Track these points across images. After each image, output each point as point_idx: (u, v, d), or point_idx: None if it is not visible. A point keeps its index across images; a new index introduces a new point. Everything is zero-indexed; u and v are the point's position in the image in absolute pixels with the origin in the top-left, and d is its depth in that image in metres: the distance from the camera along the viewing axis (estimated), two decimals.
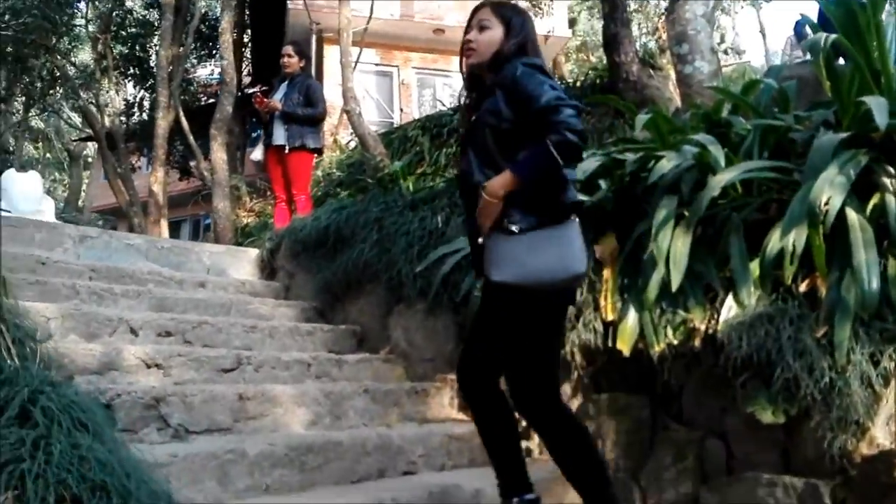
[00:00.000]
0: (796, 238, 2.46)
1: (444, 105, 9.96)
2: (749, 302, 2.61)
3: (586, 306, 2.99)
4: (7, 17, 12.44)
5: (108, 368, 2.60)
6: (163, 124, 11.36)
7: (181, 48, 12.02)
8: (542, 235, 2.00)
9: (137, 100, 15.70)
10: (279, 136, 5.31)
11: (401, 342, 3.71)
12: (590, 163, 3.13)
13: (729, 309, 2.66)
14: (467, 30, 2.22)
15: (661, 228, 2.79)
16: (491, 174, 2.02)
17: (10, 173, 8.32)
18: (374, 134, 7.94)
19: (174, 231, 18.06)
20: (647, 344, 2.78)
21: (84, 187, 23.46)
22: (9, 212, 7.40)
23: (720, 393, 2.65)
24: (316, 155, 5.64)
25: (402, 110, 13.32)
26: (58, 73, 13.21)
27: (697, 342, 2.69)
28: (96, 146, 16.15)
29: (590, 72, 8.09)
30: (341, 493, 2.32)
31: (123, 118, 15.25)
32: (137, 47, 14.72)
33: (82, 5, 13.44)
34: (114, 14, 13.46)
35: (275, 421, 2.67)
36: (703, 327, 2.70)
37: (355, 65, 10.32)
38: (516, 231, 1.99)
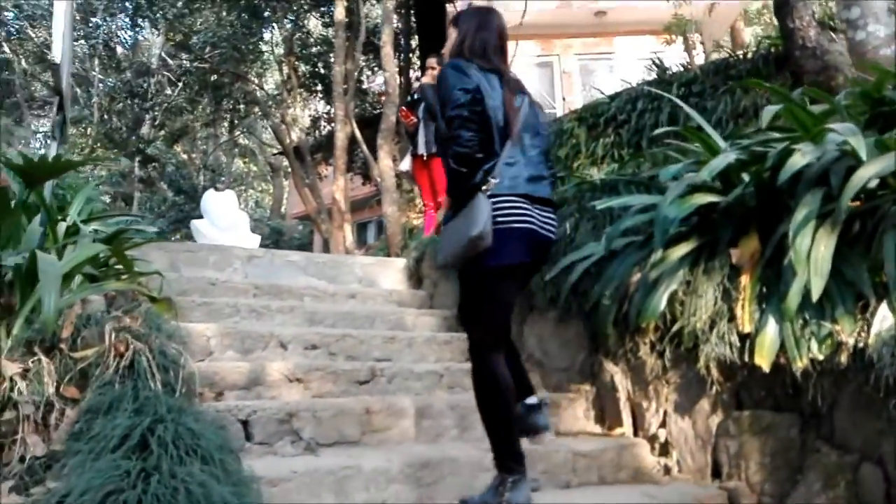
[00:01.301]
0: None
1: (601, 92, 9.65)
2: None
3: (720, 317, 2.78)
4: (207, 49, 14.07)
5: (254, 384, 2.89)
6: (341, 136, 12.19)
7: (353, 63, 12.77)
8: (451, 224, 2.43)
9: (322, 114, 16.97)
10: (420, 144, 5.50)
11: (535, 351, 3.70)
12: (720, 160, 2.89)
13: (882, 319, 2.34)
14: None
15: (800, 229, 2.52)
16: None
17: (210, 193, 9.43)
18: None
19: (361, 232, 19.33)
20: (788, 359, 2.53)
21: (285, 196, 25.80)
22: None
23: (876, 414, 2.34)
24: None
25: (564, 100, 13.10)
26: (249, 97, 14.62)
27: (844, 357, 2.40)
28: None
29: (763, 40, 7.41)
30: None
31: (310, 132, 16.59)
32: (320, 64, 15.90)
33: (267, 34, 14.73)
34: (295, 37, 14.60)
35: (401, 433, 2.80)
36: (851, 340, 2.40)
37: (512, 59, 10.33)
38: (442, 224, 2.51)
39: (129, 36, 20.74)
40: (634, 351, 3.17)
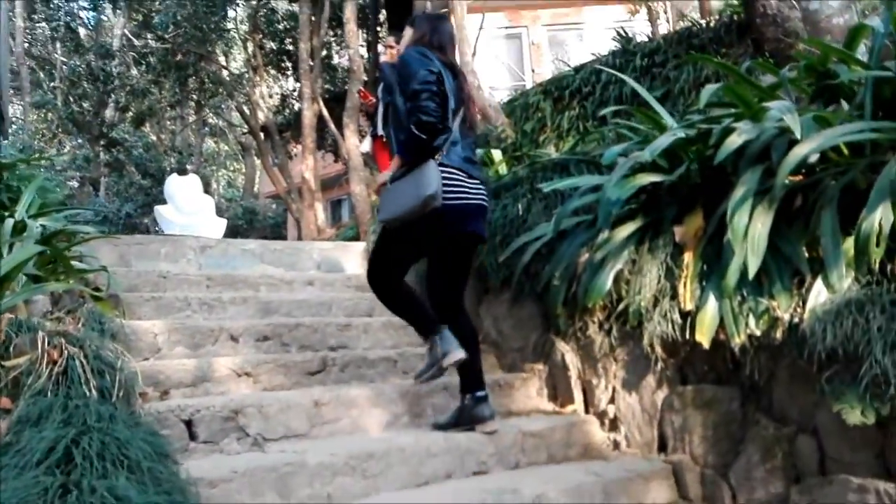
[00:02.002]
0: (883, 215, 2.14)
1: (566, 64, 9.60)
2: (840, 286, 2.31)
3: (663, 295, 2.80)
4: (170, 29, 13.75)
5: (201, 381, 2.87)
6: (308, 114, 12.03)
7: (319, 39, 12.56)
8: (399, 184, 2.73)
9: (290, 92, 16.71)
10: (380, 125, 5.44)
11: (491, 331, 3.72)
12: (664, 139, 2.89)
13: (818, 295, 2.37)
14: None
15: (738, 207, 2.54)
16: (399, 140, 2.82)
17: (173, 178, 9.29)
18: (495, 105, 7.88)
19: (335, 209, 19.20)
20: (728, 335, 2.56)
21: (257, 176, 25.52)
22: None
23: (811, 387, 2.38)
24: None
25: (533, 71, 13.01)
26: (214, 77, 14.36)
27: (780, 333, 2.43)
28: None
29: (726, 8, 7.40)
30: (402, 498, 2.40)
31: (279, 110, 16.34)
32: (288, 41, 15.59)
33: (232, 12, 14.42)
34: (259, 14, 14.31)
35: (352, 423, 2.81)
36: (787, 316, 2.43)
37: (479, 31, 10.23)
38: (388, 184, 2.80)
39: (91, 17, 20.28)
40: (584, 330, 3.20)
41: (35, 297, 3.06)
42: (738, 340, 2.53)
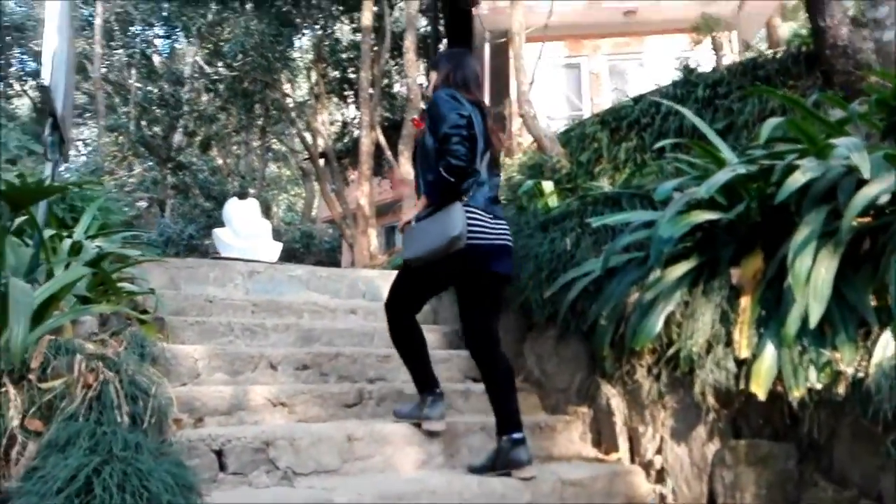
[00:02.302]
0: None
1: (626, 95, 9.46)
2: None
3: (717, 341, 2.64)
4: (239, 58, 14.24)
5: (236, 409, 2.84)
6: (366, 141, 12.21)
7: (379, 68, 12.77)
8: (424, 224, 2.76)
9: (350, 119, 17.03)
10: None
11: (534, 370, 3.59)
12: (722, 175, 2.74)
13: (885, 347, 2.19)
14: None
15: (801, 250, 2.38)
16: (426, 180, 2.82)
17: (232, 201, 9.48)
18: (551, 135, 7.82)
19: (389, 235, 19.34)
20: (785, 388, 2.39)
21: (315, 200, 26.01)
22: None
23: (875, 449, 2.19)
24: None
25: (592, 101, 12.87)
26: (278, 104, 14.75)
27: (843, 388, 2.25)
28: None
29: (794, 38, 7.16)
30: None
31: (339, 137, 16.65)
32: (350, 70, 15.92)
33: (298, 41, 14.84)
34: (324, 43, 14.67)
35: (384, 461, 2.72)
36: (850, 370, 2.25)
37: (537, 61, 10.21)
38: (413, 223, 2.84)
39: (166, 45, 21.19)
40: (631, 374, 3.04)
41: (83, 318, 3.11)
42: (796, 394, 2.35)
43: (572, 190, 4.84)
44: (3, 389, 2.15)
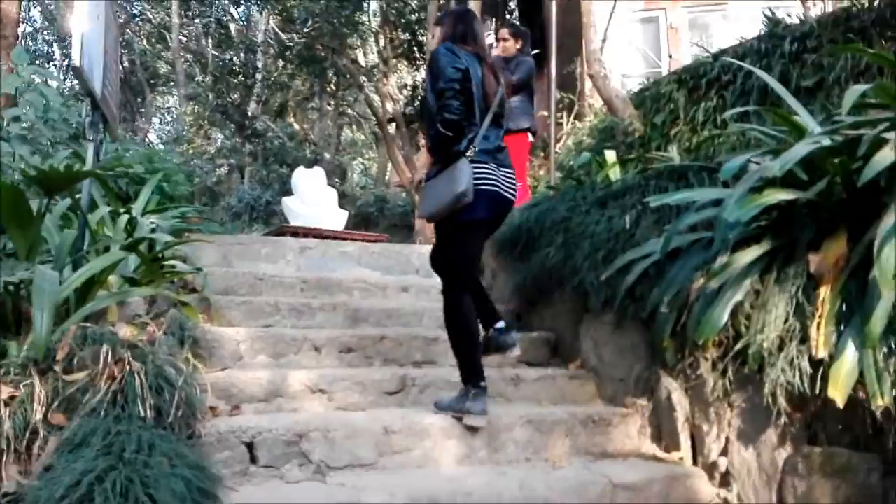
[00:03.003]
0: None
1: (706, 50, 8.83)
2: None
3: (791, 337, 2.35)
4: (308, 23, 14.19)
5: (273, 395, 2.77)
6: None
7: None
8: (434, 182, 2.85)
9: (421, 83, 16.79)
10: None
11: (590, 356, 3.37)
12: (800, 148, 2.41)
13: None
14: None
15: (889, 238, 2.08)
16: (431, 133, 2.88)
17: (300, 170, 9.53)
18: (622, 96, 7.38)
19: None
20: (868, 394, 2.09)
21: (389, 165, 26.07)
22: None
23: None
24: (529, 135, 5.37)
25: (671, 57, 12.16)
26: (346, 69, 14.68)
27: None
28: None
29: None
30: None
31: (409, 102, 16.45)
32: (420, 32, 15.62)
33: (366, 4, 14.65)
34: (391, 6, 14.42)
35: (423, 455, 2.60)
36: None
37: (610, 16, 9.69)
38: (425, 181, 2.96)
39: (241, 13, 21.43)
40: (694, 367, 2.78)
41: (130, 299, 3.10)
42: (880, 402, 2.06)
43: (643, 157, 4.49)
44: (29, 381, 2.12)
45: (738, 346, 2.53)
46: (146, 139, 21.15)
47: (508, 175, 2.92)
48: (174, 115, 21.87)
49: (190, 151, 16.65)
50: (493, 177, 2.82)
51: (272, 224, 12.50)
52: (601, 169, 4.09)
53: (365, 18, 15.47)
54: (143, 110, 22.00)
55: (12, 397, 2.03)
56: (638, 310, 3.03)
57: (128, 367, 2.23)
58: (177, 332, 2.83)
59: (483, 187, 2.76)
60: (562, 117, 10.06)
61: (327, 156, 21.05)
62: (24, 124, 4.37)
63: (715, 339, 2.65)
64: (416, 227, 16.04)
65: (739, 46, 6.14)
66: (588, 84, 9.85)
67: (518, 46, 5.44)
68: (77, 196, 3.27)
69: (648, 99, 7.63)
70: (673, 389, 2.88)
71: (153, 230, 3.97)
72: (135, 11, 21.43)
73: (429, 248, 4.36)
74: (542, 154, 9.77)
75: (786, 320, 2.38)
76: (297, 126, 20.78)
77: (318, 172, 9.47)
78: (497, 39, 5.61)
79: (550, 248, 3.53)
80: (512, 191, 2.94)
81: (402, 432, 2.59)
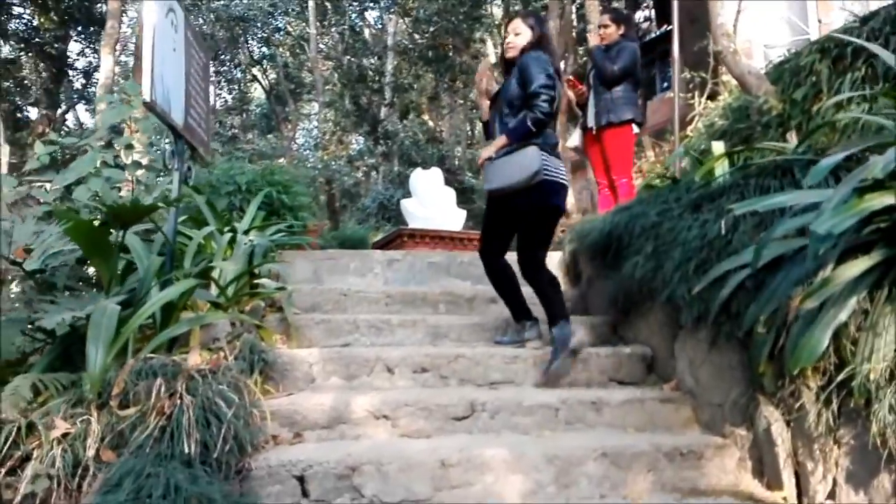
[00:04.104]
0: None
1: (852, 14, 7.82)
2: None
3: None
4: (432, 23, 14.31)
5: (336, 422, 2.73)
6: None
7: (565, 19, 12.04)
8: (506, 160, 3.31)
9: None
10: (590, 116, 4.88)
11: (686, 377, 3.04)
12: None
13: None
14: (506, 34, 3.57)
15: None
16: (504, 123, 3.42)
17: (418, 172, 9.59)
18: (756, 71, 6.72)
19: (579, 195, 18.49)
20: None
21: None
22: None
23: None
24: (635, 128, 4.99)
25: (820, 22, 10.94)
26: (467, 66, 14.65)
27: None
28: None
29: None
30: None
31: None
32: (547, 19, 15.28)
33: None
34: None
35: (484, 490, 2.44)
36: None
37: None
38: (494, 158, 3.38)
39: (375, 18, 22.09)
40: (796, 396, 2.40)
41: (216, 321, 3.20)
42: None
43: (754, 148, 4.00)
44: (85, 416, 2.21)
45: (842, 376, 2.15)
46: (291, 145, 22.46)
47: (562, 166, 3.43)
48: (315, 122, 22.98)
49: (325, 157, 17.39)
50: (553, 167, 3.33)
51: (404, 223, 12.76)
52: (699, 166, 3.67)
53: (487, 11, 15.37)
54: (290, 119, 23.30)
55: (66, 434, 2.12)
56: (734, 328, 2.68)
57: (179, 401, 2.27)
58: (247, 357, 2.88)
59: (545, 177, 3.26)
60: (692, 98, 9.43)
61: (458, 151, 21.21)
62: (137, 150, 4.68)
63: (817, 365, 2.27)
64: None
65: (892, 6, 5.34)
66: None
67: (620, 32, 5.08)
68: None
69: (787, 73, 6.87)
70: (773, 420, 2.51)
71: (252, 248, 4.12)
72: (279, 25, 22.77)
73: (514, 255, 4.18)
74: (673, 139, 9.21)
75: None
76: (430, 123, 21.10)
77: (436, 173, 9.48)
78: (598, 26, 5.27)
79: (639, 258, 3.23)
80: (564, 177, 3.42)
81: (460, 465, 2.45)
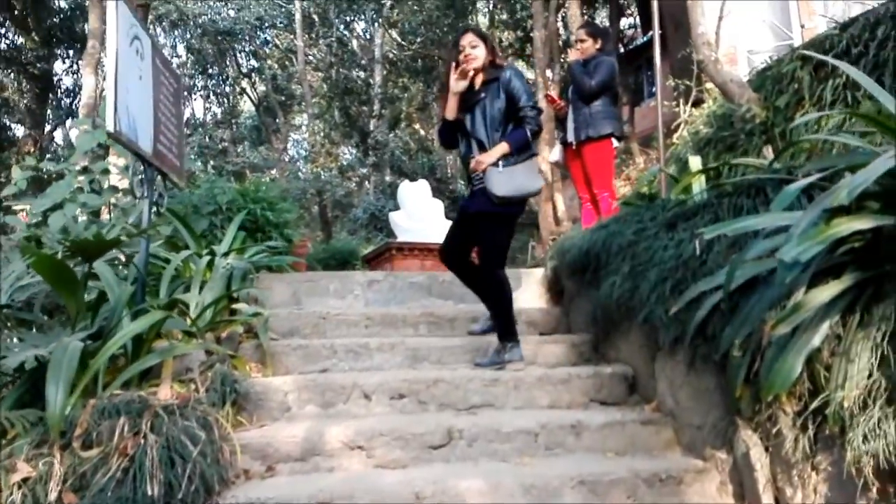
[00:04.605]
0: None
1: (832, 20, 7.83)
2: None
3: (876, 395, 1.93)
4: (419, 35, 14.31)
5: (310, 454, 2.68)
6: (543, 105, 11.63)
7: (549, 28, 12.06)
8: (515, 169, 3.46)
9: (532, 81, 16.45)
10: (570, 130, 4.85)
11: (666, 398, 3.00)
12: (878, 165, 1.95)
13: None
14: (462, 47, 3.62)
15: None
16: (494, 135, 3.54)
17: (405, 184, 9.58)
18: (738, 79, 6.72)
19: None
20: None
21: None
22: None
23: None
24: (615, 141, 4.97)
25: (803, 27, 10.98)
26: None
27: None
28: None
29: None
30: None
31: None
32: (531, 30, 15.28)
33: (470, 7, 14.53)
34: (496, 7, 14.22)
35: None
36: None
37: None
38: (500, 168, 3.46)
39: (362, 30, 22.09)
40: (773, 420, 2.37)
41: (191, 351, 3.15)
42: None
43: (728, 164, 3.98)
44: (48, 458, 2.16)
45: (817, 403, 2.12)
46: (283, 157, 22.42)
47: None
48: (304, 134, 22.98)
49: (315, 169, 17.36)
50: None
51: (395, 235, 12.73)
52: (675, 183, 3.65)
53: (471, 22, 15.36)
54: (279, 131, 23.26)
55: (26, 478, 2.07)
56: (711, 350, 2.65)
57: (143, 441, 2.22)
58: (219, 388, 2.83)
59: None
60: (677, 106, 9.46)
61: (449, 160, 21.19)
62: (115, 173, 4.63)
63: (793, 390, 2.24)
64: (541, 228, 15.71)
65: (871, 12, 5.35)
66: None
67: (597, 46, 5.06)
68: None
69: (769, 80, 6.89)
70: (752, 444, 2.48)
71: (231, 272, 4.07)
72: (267, 37, 22.77)
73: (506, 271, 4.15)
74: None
75: (870, 374, 1.94)
76: (422, 132, 21.08)
77: (423, 185, 9.46)
78: (575, 41, 5.25)
79: (617, 277, 3.20)
80: None
81: (435, 497, 2.40)
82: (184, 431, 2.31)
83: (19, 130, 18.59)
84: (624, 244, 3.24)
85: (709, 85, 9.58)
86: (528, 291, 4.33)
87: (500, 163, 3.44)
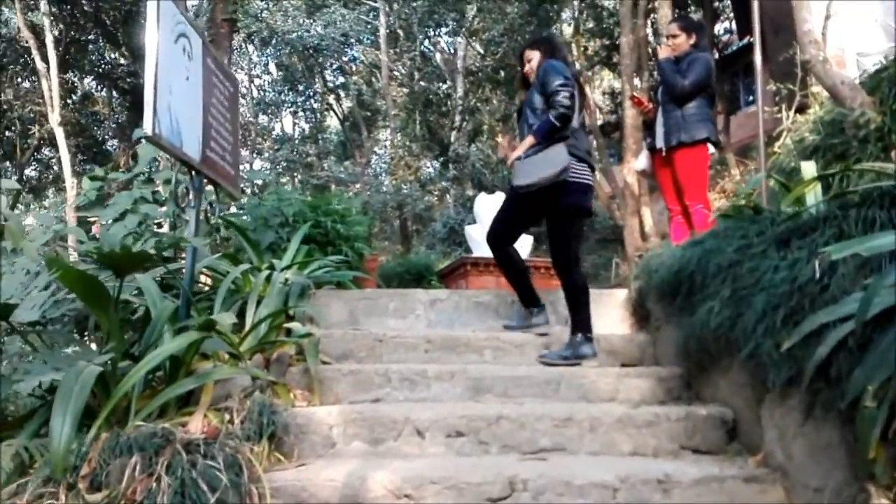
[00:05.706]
0: None
1: None
2: None
3: None
4: (501, 46, 14.00)
5: (350, 501, 2.35)
6: (630, 112, 11.05)
7: (637, 32, 11.48)
8: (535, 158, 3.57)
9: (618, 90, 15.82)
10: (658, 136, 4.37)
11: (776, 450, 2.49)
12: None
13: None
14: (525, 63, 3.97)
15: None
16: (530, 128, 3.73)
17: (482, 197, 9.23)
18: (850, 81, 6.04)
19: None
20: None
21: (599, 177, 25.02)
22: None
23: None
24: (711, 147, 4.43)
25: None
26: None
27: None
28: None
29: None
30: None
31: (612, 110, 15.55)
32: (618, 37, 14.71)
33: (554, 16, 14.11)
34: (583, 14, 13.73)
35: None
36: None
37: None
38: (523, 157, 3.63)
39: (448, 42, 22.02)
40: None
41: (234, 375, 2.91)
42: None
43: (850, 168, 3.40)
44: (52, 500, 1.92)
45: None
46: (366, 171, 22.61)
47: (590, 170, 3.72)
48: (386, 148, 23.06)
49: (395, 182, 17.28)
50: (584, 170, 3.64)
51: (471, 250, 12.42)
52: (784, 193, 3.11)
53: (555, 31, 14.94)
54: (363, 146, 23.44)
55: None
56: (834, 396, 2.14)
57: (155, 484, 1.95)
58: (255, 419, 2.55)
59: (577, 180, 3.57)
60: (779, 112, 8.73)
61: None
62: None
63: None
64: (627, 244, 15.04)
65: None
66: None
67: (691, 42, 4.56)
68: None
69: (886, 82, 6.14)
70: None
71: (288, 288, 3.83)
72: (354, 54, 23.08)
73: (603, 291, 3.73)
74: (758, 157, 8.53)
75: None
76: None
77: (500, 198, 9.07)
78: (666, 36, 4.77)
79: (715, 302, 2.72)
80: (591, 179, 3.70)
81: None
82: (202, 474, 2.02)
83: (112, 144, 19.51)
84: (724, 264, 2.76)
85: (815, 89, 8.79)
86: (609, 315, 3.87)
87: (523, 154, 3.59)
